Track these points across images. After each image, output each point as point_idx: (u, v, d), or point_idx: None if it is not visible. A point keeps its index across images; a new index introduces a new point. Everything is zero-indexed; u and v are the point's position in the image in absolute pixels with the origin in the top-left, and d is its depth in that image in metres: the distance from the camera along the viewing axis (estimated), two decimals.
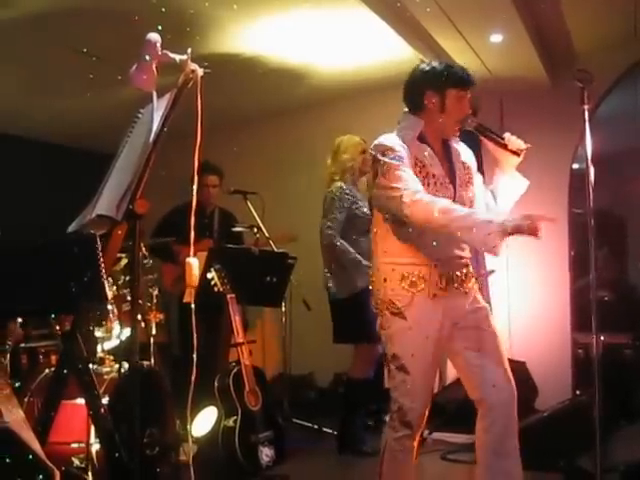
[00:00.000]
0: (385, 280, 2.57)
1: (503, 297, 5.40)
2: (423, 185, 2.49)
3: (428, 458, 4.19)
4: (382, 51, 4.92)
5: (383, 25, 4.29)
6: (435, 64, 2.62)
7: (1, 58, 4.63)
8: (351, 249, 4.16)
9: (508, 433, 2.52)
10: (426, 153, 2.58)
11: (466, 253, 2.64)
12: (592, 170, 2.73)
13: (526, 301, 5.35)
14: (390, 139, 2.56)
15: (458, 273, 2.59)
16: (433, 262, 2.53)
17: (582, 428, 3.30)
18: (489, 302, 5.19)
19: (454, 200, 2.56)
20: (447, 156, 2.66)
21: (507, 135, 2.61)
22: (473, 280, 2.67)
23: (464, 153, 2.72)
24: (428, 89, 2.57)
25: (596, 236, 2.82)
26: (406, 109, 2.68)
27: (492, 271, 5.22)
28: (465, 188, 2.64)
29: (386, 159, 2.48)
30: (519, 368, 4.96)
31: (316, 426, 4.85)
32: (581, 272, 5.33)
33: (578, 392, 4.79)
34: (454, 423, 4.47)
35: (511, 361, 5.22)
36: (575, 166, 5.31)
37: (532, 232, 2.27)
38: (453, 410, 4.63)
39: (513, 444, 2.53)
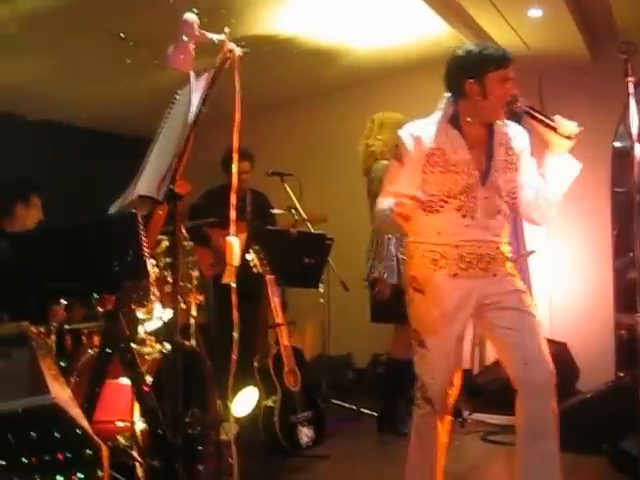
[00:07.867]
0: (411, 257, 2.65)
1: (544, 277, 5.34)
2: (443, 172, 2.51)
3: (468, 439, 4.19)
4: (418, 29, 4.87)
5: (419, 2, 4.23)
6: (470, 48, 2.52)
7: (38, 44, 4.68)
8: (390, 236, 4.15)
9: (543, 413, 2.45)
10: (452, 138, 2.55)
11: (495, 237, 2.58)
12: (638, 146, 2.66)
13: (567, 281, 5.27)
14: (408, 128, 2.59)
15: (482, 254, 2.55)
16: (454, 243, 2.54)
17: (625, 410, 3.25)
18: (528, 282, 5.17)
19: (483, 186, 2.53)
20: (489, 141, 2.58)
21: (558, 118, 2.52)
22: (507, 264, 2.61)
23: (516, 138, 2.62)
24: (467, 77, 2.48)
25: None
26: (447, 93, 2.61)
27: (532, 251, 5.17)
28: (502, 174, 2.57)
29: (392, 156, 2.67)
30: (560, 349, 4.90)
31: (354, 407, 4.87)
32: (623, 252, 5.24)
33: (621, 374, 4.71)
34: (495, 404, 4.44)
35: (552, 342, 5.16)
36: (616, 144, 5.19)
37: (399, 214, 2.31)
38: (494, 391, 4.59)
39: (549, 425, 2.45)
